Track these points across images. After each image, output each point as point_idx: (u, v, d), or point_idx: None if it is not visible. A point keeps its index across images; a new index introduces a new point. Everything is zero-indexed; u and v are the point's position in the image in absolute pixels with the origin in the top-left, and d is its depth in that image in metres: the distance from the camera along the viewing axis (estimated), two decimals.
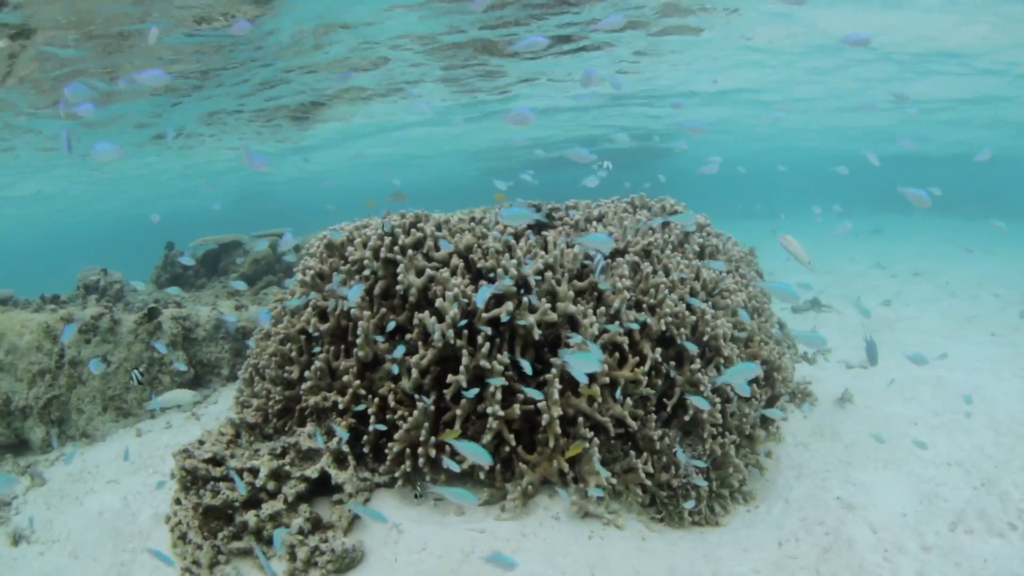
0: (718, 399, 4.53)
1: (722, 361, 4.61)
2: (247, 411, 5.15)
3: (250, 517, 4.42)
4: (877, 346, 6.56)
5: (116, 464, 6.28)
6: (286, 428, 4.99)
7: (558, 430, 4.24)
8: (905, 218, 28.58)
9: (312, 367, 4.67)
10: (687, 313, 4.52)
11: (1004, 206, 32.80)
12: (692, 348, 4.08)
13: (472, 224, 4.65)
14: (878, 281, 14.18)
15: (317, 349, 4.72)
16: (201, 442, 4.93)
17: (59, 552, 5.40)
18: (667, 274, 4.64)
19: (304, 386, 4.68)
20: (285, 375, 4.90)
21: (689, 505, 4.43)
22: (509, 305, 4.26)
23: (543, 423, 4.23)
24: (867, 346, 6.13)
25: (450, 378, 4.25)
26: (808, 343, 4.25)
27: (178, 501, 4.69)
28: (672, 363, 4.53)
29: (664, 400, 4.57)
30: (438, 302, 4.29)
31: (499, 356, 4.23)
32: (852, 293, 12.57)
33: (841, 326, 9.78)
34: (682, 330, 4.51)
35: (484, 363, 4.20)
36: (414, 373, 4.36)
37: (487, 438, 4.28)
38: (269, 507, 4.43)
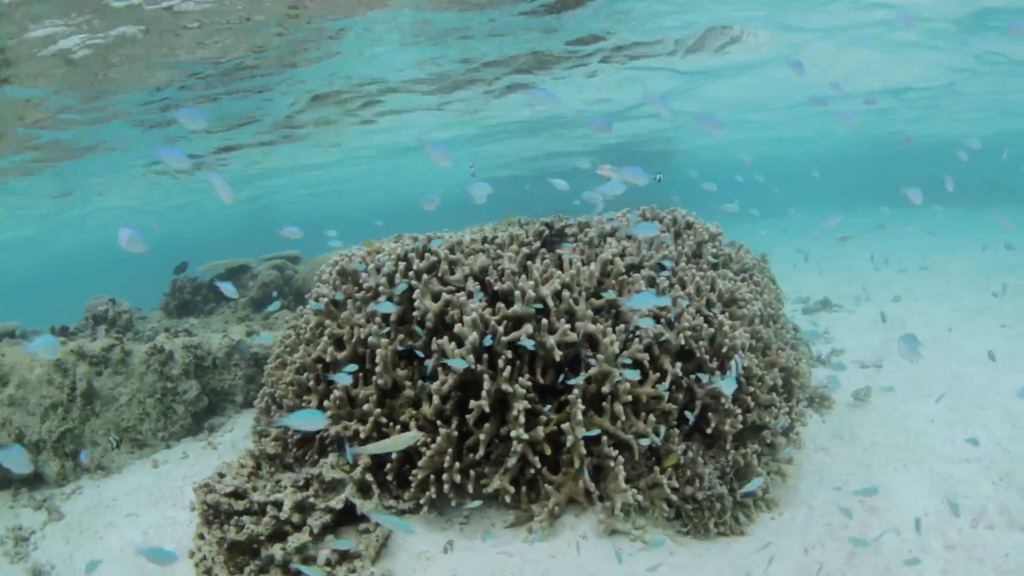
0: (739, 410, 4.53)
1: (741, 371, 4.61)
2: (265, 441, 5.13)
3: (276, 551, 4.39)
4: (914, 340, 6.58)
5: (134, 497, 6.24)
6: (306, 457, 4.97)
7: (583, 450, 4.24)
8: (908, 210, 28.52)
9: (331, 396, 4.65)
10: (705, 326, 4.51)
11: (1009, 195, 32.75)
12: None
13: (485, 245, 4.63)
14: (886, 277, 14.17)
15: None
16: (221, 475, 4.89)
17: None
18: (683, 287, 4.63)
19: (325, 415, 4.66)
20: (303, 405, 4.88)
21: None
22: (528, 327, 4.25)
23: (567, 443, 4.22)
24: (904, 343, 6.06)
25: (472, 403, 4.24)
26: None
27: (201, 536, 4.64)
28: (693, 377, 4.53)
29: (686, 413, 4.57)
30: (456, 327, 4.28)
31: (520, 379, 4.22)
32: (861, 292, 12.58)
33: (853, 325, 9.78)
34: (701, 343, 4.51)
35: (506, 387, 4.18)
36: (435, 399, 4.34)
37: (512, 461, 4.27)
38: (295, 540, 4.40)
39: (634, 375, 4.14)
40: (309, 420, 3.40)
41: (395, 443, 3.64)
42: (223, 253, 9.65)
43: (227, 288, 3.80)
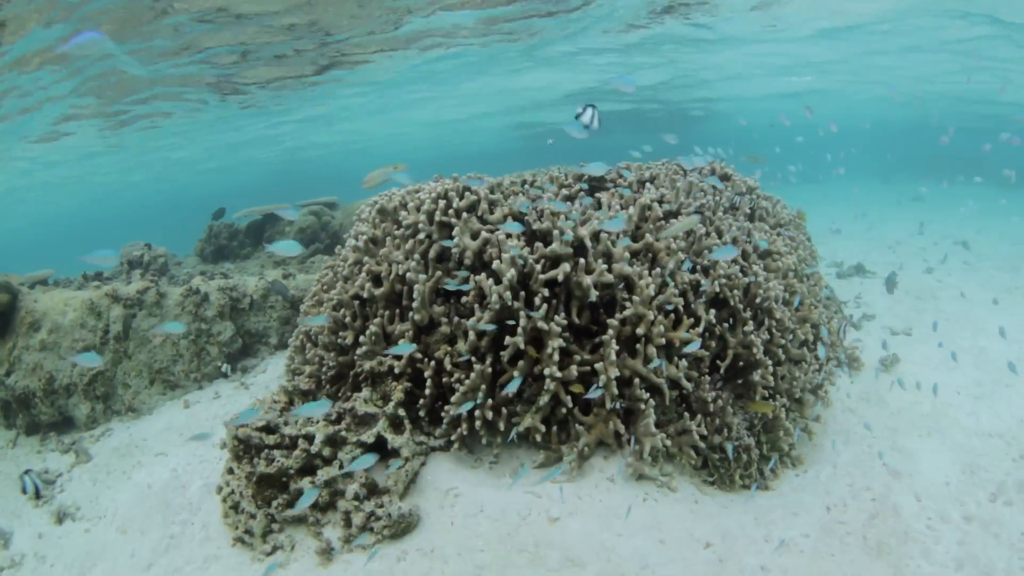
0: (770, 362, 4.55)
1: (774, 323, 4.62)
2: (299, 378, 5.20)
3: (305, 484, 4.43)
4: (896, 278, 6.59)
5: (164, 437, 6.29)
6: (339, 394, 5.03)
7: (615, 391, 4.27)
8: (946, 187, 28.06)
9: (367, 332, 4.71)
10: (740, 275, 4.53)
11: None
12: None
13: (525, 187, 4.66)
14: (920, 248, 14.06)
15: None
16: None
17: (106, 528, 5.36)
18: (720, 236, 4.65)
19: (359, 351, 4.72)
20: (339, 341, 4.94)
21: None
22: (566, 266, 4.28)
23: (600, 383, 4.25)
24: (887, 278, 6.11)
25: (507, 340, 4.28)
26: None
27: (230, 471, 4.69)
28: (726, 325, 4.55)
29: (718, 362, 4.59)
30: (495, 264, 4.32)
31: (556, 317, 4.26)
32: (895, 260, 12.51)
33: (885, 292, 9.71)
34: (735, 292, 4.52)
35: (542, 324, 4.22)
36: (471, 336, 4.39)
37: (544, 400, 4.31)
38: (325, 473, 4.42)
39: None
40: (316, 409, 3.85)
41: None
42: (260, 201, 9.73)
43: (286, 246, 3.81)
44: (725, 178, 5.24)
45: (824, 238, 15.91)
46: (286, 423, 4.82)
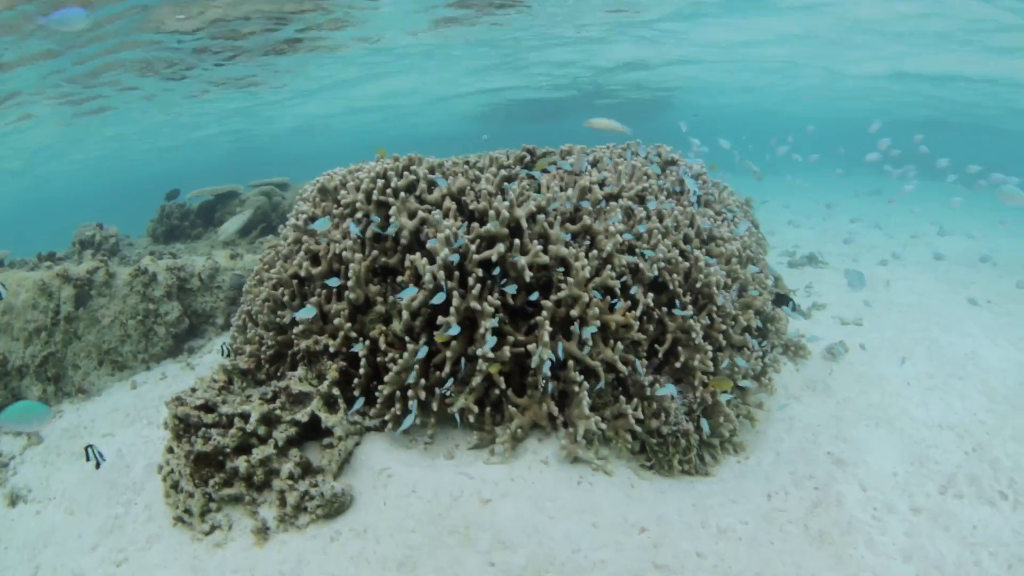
0: (709, 347, 4.51)
1: (715, 308, 4.58)
2: (240, 358, 5.14)
3: (240, 463, 4.39)
4: (862, 277, 6.56)
5: (111, 418, 6.26)
6: (279, 374, 4.98)
7: (548, 372, 4.23)
8: (904, 182, 28.24)
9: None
10: (680, 259, 4.49)
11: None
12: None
13: (466, 167, 4.61)
14: (875, 241, 14.04)
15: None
16: (194, 389, 4.91)
17: (55, 510, 5.33)
18: (661, 219, 4.60)
19: (296, 330, 4.67)
20: (278, 320, 4.89)
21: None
22: (500, 247, 4.23)
23: (533, 365, 4.21)
24: (849, 274, 6.12)
25: (440, 319, 4.23)
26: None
27: (170, 450, 4.65)
28: (665, 309, 4.51)
29: (656, 346, 4.55)
30: (429, 243, 4.27)
31: (490, 298, 4.21)
32: (849, 251, 12.49)
33: (837, 283, 9.65)
34: (675, 276, 4.48)
35: (475, 304, 4.17)
36: (405, 315, 4.34)
37: (477, 380, 4.27)
38: (260, 452, 4.40)
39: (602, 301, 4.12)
40: None
41: None
42: (216, 181, 9.63)
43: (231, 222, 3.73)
44: (671, 163, 5.19)
45: (779, 228, 15.93)
46: (224, 402, 4.78)
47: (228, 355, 5.29)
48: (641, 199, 4.61)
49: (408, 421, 4.10)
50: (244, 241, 7.83)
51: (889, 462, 5.00)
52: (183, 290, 6.46)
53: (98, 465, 5.36)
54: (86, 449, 5.49)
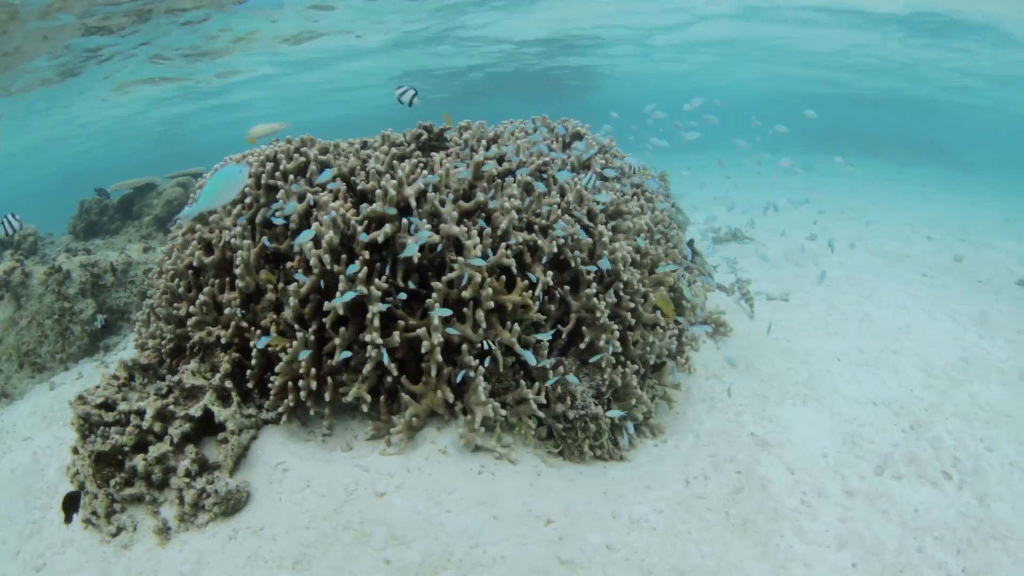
0: (616, 326, 4.32)
1: (621, 286, 4.38)
2: (143, 353, 4.98)
3: (139, 461, 4.26)
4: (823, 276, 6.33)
5: (30, 420, 6.14)
6: (179, 367, 4.81)
7: (440, 358, 4.04)
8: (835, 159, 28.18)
9: (198, 301, 4.48)
10: (583, 235, 4.29)
11: (941, 154, 32.93)
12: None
13: (358, 148, 4.42)
14: (806, 216, 13.70)
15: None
16: (97, 387, 4.77)
17: None
18: (563, 195, 4.41)
19: (190, 321, 4.50)
20: (175, 312, 4.72)
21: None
22: (388, 228, 4.05)
23: (423, 350, 4.03)
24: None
25: (326, 305, 4.06)
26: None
27: (75, 450, 4.52)
28: (567, 288, 4.32)
29: (560, 327, 4.36)
30: (314, 226, 4.09)
31: (377, 281, 4.03)
32: (778, 227, 12.20)
33: (763, 257, 9.39)
34: (577, 253, 4.29)
35: (361, 288, 3.99)
36: (293, 302, 4.16)
37: (368, 368, 4.09)
38: (156, 450, 4.26)
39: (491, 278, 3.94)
40: None
41: None
42: (141, 173, 9.45)
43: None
44: (577, 137, 4.99)
45: (706, 204, 15.68)
46: (124, 399, 4.64)
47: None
48: (541, 175, 4.42)
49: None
50: (161, 235, 7.64)
51: (818, 442, 4.77)
52: (97, 287, 6.30)
53: None
54: None
